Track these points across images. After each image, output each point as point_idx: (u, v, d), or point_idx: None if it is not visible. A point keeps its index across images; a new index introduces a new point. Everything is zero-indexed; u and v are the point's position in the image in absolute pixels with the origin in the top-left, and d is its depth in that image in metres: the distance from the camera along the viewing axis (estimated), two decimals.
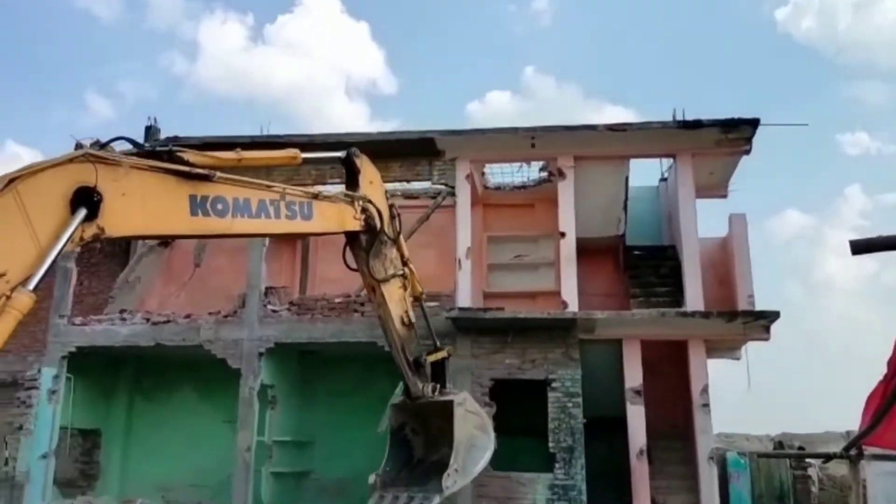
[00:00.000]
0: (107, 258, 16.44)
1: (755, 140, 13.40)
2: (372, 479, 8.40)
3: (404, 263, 8.17)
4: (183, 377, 15.81)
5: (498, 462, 12.52)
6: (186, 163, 5.58)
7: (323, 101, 71.98)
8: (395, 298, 8.08)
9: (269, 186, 6.21)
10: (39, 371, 14.23)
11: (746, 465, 13.29)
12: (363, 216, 7.37)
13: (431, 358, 8.48)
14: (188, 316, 14.34)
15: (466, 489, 12.24)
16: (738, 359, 14.87)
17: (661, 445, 13.46)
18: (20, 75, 62.11)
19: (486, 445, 8.64)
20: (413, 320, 8.32)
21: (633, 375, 12.82)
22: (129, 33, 67.69)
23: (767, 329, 12.84)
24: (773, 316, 12.58)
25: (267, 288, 14.47)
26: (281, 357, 14.21)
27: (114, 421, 15.79)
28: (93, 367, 14.88)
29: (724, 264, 14.49)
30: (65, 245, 4.73)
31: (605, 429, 12.79)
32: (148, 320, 14.36)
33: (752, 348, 14.21)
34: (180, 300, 15.77)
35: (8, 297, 4.52)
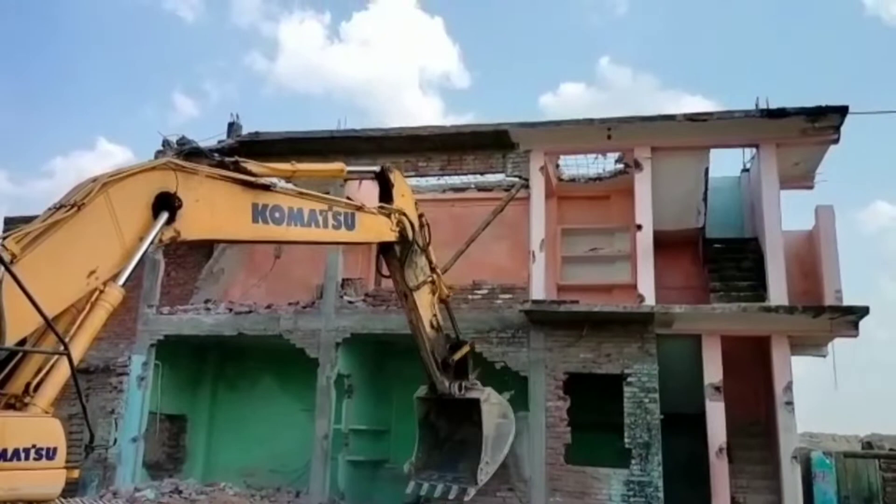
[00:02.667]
0: (192, 250, 17.03)
1: (843, 129, 12.86)
2: (406, 467, 8.92)
3: (432, 269, 8.52)
4: (264, 366, 16.29)
5: (573, 456, 12.55)
6: (250, 173, 5.88)
7: (397, 96, 72.80)
8: (425, 304, 8.48)
9: (318, 197, 6.55)
10: (130, 358, 14.89)
11: (832, 465, 12.81)
12: (398, 228, 7.72)
13: (457, 356, 8.79)
14: (269, 306, 14.76)
15: (540, 483, 12.28)
16: (824, 356, 14.33)
17: (742, 444, 13.12)
18: (112, 77, 65.09)
19: (509, 430, 9.27)
20: (441, 323, 8.67)
21: (713, 371, 12.51)
22: (213, 34, 70.06)
23: (856, 325, 12.32)
24: (862, 311, 12.06)
25: (344, 279, 14.76)
26: (357, 347, 14.48)
27: (199, 407, 16.40)
28: (179, 355, 15.48)
29: (809, 258, 13.95)
30: (148, 247, 5.06)
31: (683, 425, 12.54)
32: (231, 310, 14.85)
33: (839, 345, 13.69)
34: (261, 291, 16.24)
35: (101, 292, 4.84)
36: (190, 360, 16.13)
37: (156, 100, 74.44)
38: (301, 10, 74.91)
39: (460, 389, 8.86)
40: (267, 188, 5.99)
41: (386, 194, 8.00)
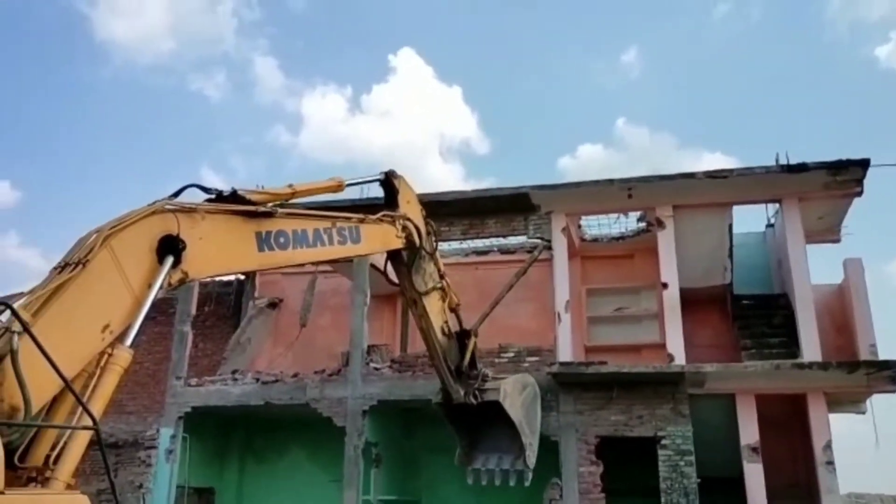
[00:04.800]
0: (220, 321, 17.17)
1: (866, 181, 12.78)
2: (457, 460, 8.81)
3: (441, 277, 8.51)
4: (292, 437, 16.17)
5: None
6: (250, 202, 5.92)
7: (419, 163, 73.66)
8: (436, 310, 8.41)
9: (321, 216, 6.59)
10: (158, 431, 14.86)
11: None
12: (404, 234, 7.72)
13: (467, 357, 8.70)
14: (295, 375, 14.73)
15: None
16: (863, 413, 13.91)
17: None
18: (141, 154, 66.88)
19: (534, 397, 9.28)
20: (452, 330, 8.57)
21: (749, 432, 12.18)
22: (238, 111, 72.05)
23: (893, 380, 11.98)
24: None
25: (369, 346, 14.72)
26: (384, 415, 14.34)
27: (227, 480, 16.26)
28: (207, 427, 15.44)
29: (841, 312, 13.69)
30: (157, 292, 5.06)
31: (721, 489, 12.14)
32: (258, 380, 14.83)
33: (877, 401, 13.30)
34: (288, 360, 16.24)
35: (110, 355, 4.83)
36: (217, 431, 16.07)
37: (183, 176, 76.24)
38: (323, 85, 76.94)
39: (475, 398, 8.74)
40: (269, 215, 6.02)
41: (391, 201, 8.03)
